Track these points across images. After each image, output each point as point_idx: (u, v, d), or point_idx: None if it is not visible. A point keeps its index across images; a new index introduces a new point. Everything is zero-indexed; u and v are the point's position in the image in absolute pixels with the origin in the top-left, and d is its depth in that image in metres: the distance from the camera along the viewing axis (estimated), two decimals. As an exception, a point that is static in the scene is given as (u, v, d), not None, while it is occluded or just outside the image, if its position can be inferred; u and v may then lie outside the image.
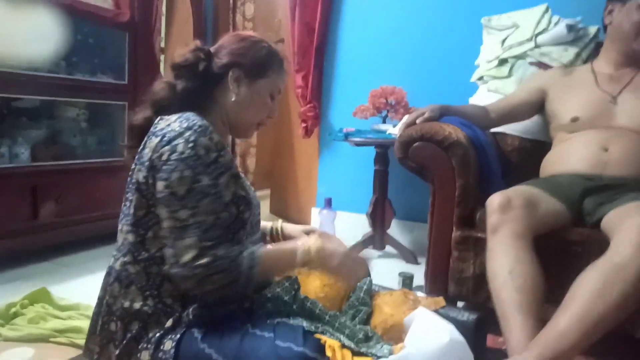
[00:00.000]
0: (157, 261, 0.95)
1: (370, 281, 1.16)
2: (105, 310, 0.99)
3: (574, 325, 1.01)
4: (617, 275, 1.04)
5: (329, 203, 2.24)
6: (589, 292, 1.04)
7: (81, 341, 1.31)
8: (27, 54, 2.06)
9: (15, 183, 1.98)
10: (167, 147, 0.92)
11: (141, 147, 0.98)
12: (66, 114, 2.37)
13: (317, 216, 2.41)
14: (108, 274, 1.01)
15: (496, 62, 1.99)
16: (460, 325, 1.05)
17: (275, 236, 1.26)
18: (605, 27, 1.70)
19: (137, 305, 0.95)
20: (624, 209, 1.20)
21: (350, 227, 2.59)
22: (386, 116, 2.37)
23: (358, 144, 2.31)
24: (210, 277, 0.89)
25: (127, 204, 0.99)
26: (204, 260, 0.88)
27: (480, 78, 2.05)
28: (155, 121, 1.00)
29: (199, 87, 1.05)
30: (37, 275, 1.90)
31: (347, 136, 2.30)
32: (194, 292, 0.93)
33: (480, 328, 1.19)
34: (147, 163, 0.94)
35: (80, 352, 1.28)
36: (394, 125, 2.17)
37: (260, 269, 0.93)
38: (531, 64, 1.93)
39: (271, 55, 1.09)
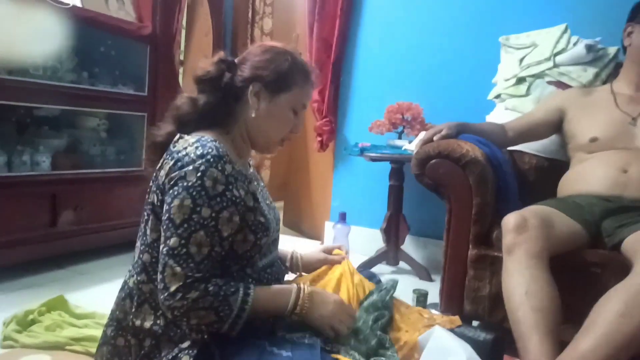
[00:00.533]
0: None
1: (396, 284, 1.14)
2: (114, 324, 0.99)
3: (596, 348, 1.00)
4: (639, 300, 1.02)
5: (343, 217, 2.24)
6: (611, 314, 1.02)
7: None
8: (49, 65, 2.11)
9: (35, 191, 2.02)
10: (176, 173, 0.91)
11: (159, 165, 0.98)
12: (87, 124, 2.41)
13: (331, 230, 2.41)
14: (122, 289, 1.02)
15: (514, 80, 1.99)
16: (476, 345, 1.04)
17: (294, 265, 1.24)
18: (624, 48, 1.69)
19: (147, 324, 0.95)
20: None
21: (364, 242, 2.58)
22: (402, 132, 2.37)
23: (373, 159, 2.31)
24: (196, 311, 0.88)
25: (144, 223, 0.99)
26: (191, 294, 0.87)
27: (498, 96, 2.05)
28: (175, 139, 0.98)
29: (220, 102, 1.02)
30: (54, 283, 1.92)
31: (362, 151, 2.31)
32: (179, 323, 0.92)
33: (497, 348, 1.18)
34: (161, 186, 0.94)
35: (95, 360, 1.29)
36: (410, 141, 2.17)
37: (251, 310, 0.92)
38: (549, 83, 1.93)
39: (295, 68, 1.03)
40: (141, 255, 0.97)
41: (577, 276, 1.30)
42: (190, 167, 0.90)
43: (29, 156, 2.05)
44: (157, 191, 0.95)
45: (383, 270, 2.38)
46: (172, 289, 0.87)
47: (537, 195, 1.59)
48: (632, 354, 1.02)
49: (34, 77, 2.03)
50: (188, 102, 1.04)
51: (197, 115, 1.02)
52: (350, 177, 2.79)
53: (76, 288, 1.86)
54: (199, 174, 0.90)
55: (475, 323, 1.50)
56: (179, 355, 0.92)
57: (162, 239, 0.91)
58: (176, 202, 0.89)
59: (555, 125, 1.75)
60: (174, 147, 0.97)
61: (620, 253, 1.25)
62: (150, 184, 0.99)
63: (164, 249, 0.89)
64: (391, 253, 2.40)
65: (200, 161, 0.91)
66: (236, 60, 1.06)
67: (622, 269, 1.14)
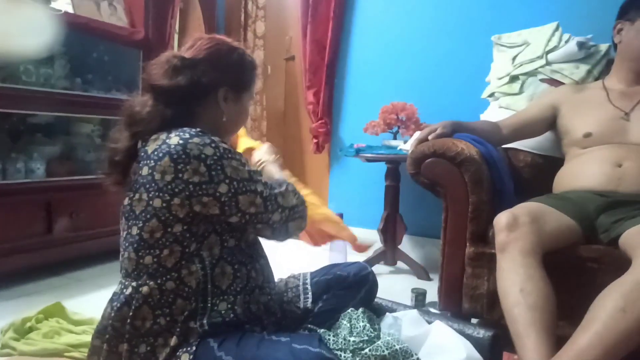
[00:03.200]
0: (173, 277, 0.96)
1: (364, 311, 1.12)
2: (111, 334, 0.98)
3: (594, 344, 1.00)
4: (639, 294, 1.02)
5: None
6: (610, 310, 1.02)
7: (95, 356, 1.32)
8: (42, 72, 2.11)
9: (30, 198, 2.01)
10: (194, 163, 0.93)
11: (138, 173, 0.98)
12: (81, 130, 2.41)
13: (328, 232, 2.41)
14: (115, 300, 1.00)
15: (507, 79, 2.00)
16: (475, 342, 1.05)
17: None
18: (615, 45, 1.71)
19: (147, 324, 0.96)
20: None
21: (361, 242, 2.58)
22: (397, 132, 2.38)
23: (369, 160, 2.32)
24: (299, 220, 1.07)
25: (133, 230, 0.98)
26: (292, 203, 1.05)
27: (492, 95, 2.06)
28: (140, 146, 1.00)
29: (185, 109, 1.04)
30: (51, 290, 1.91)
31: (358, 152, 2.31)
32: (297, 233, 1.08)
33: (496, 345, 1.18)
34: (165, 188, 0.94)
35: (94, 367, 1.28)
36: (405, 141, 2.17)
37: None
38: (542, 80, 1.94)
39: (250, 66, 1.13)
40: (140, 260, 0.97)
41: (573, 272, 1.31)
42: (195, 150, 0.93)
43: (23, 164, 2.05)
44: (159, 194, 0.95)
45: (381, 271, 2.39)
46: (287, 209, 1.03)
47: (533, 192, 1.60)
48: (631, 349, 1.02)
49: (26, 84, 2.03)
50: (154, 112, 1.02)
51: (160, 123, 1.02)
52: (347, 179, 2.80)
53: (74, 295, 1.85)
54: (212, 145, 0.95)
55: (474, 321, 1.51)
56: (178, 354, 0.93)
57: (248, 200, 0.97)
58: (229, 170, 0.95)
59: (549, 122, 1.76)
60: (145, 153, 0.98)
61: (617, 248, 1.26)
62: (131, 195, 0.99)
63: (259, 201, 0.99)
64: (389, 253, 2.40)
65: (196, 139, 0.95)
66: (187, 55, 1.06)
67: (620, 264, 1.14)
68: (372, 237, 2.50)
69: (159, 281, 0.96)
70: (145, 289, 0.97)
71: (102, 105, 2.32)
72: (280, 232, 1.05)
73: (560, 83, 1.89)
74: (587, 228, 1.37)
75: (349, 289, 1.24)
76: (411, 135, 2.05)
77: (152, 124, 1.01)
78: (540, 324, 1.11)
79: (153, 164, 0.96)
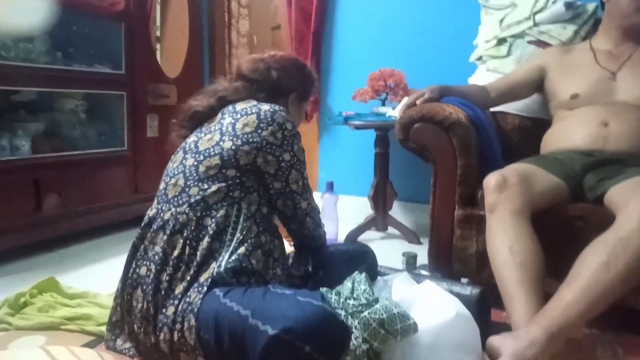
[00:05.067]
0: (211, 215, 1.07)
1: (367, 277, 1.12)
2: (141, 254, 1.09)
3: (579, 298, 1.02)
4: (623, 249, 1.05)
5: (330, 187, 2.25)
6: (594, 265, 1.05)
7: (91, 328, 1.33)
8: (21, 46, 2.05)
9: (17, 176, 1.98)
10: (275, 126, 1.12)
11: (217, 122, 1.17)
12: (65, 106, 2.36)
13: (319, 201, 2.42)
14: (148, 224, 1.12)
15: (494, 41, 1.98)
16: (464, 300, 1.07)
17: None
18: (602, 4, 1.70)
19: (175, 252, 1.05)
20: (629, 184, 1.22)
21: (352, 210, 2.60)
22: (385, 99, 2.37)
23: (358, 127, 2.31)
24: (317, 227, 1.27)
25: (189, 161, 1.13)
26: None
27: (479, 58, 2.05)
28: (227, 107, 1.20)
29: (265, 97, 1.26)
30: (43, 267, 1.91)
31: (346, 120, 2.30)
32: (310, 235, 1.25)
33: (484, 302, 1.22)
34: (242, 135, 1.11)
35: (91, 338, 1.30)
36: (394, 108, 2.17)
37: None
38: (530, 42, 1.93)
39: (314, 83, 1.41)
40: (185, 189, 1.09)
41: (560, 231, 1.33)
42: (282, 120, 1.14)
43: (7, 141, 2.01)
44: (230, 137, 1.11)
45: (372, 237, 2.41)
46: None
47: (522, 155, 1.61)
48: (613, 302, 1.05)
49: (6, 59, 1.97)
50: (244, 91, 1.26)
51: (246, 97, 1.25)
52: (336, 147, 2.79)
53: (66, 270, 1.86)
54: (292, 121, 1.16)
55: (464, 280, 1.54)
56: (189, 293, 1.01)
57: (296, 176, 1.16)
58: (296, 147, 1.16)
59: (537, 84, 1.76)
60: (234, 109, 1.18)
61: (602, 206, 1.28)
62: (201, 134, 1.16)
63: (300, 184, 1.18)
64: (380, 219, 2.42)
65: (284, 113, 1.16)
66: (271, 62, 1.31)
67: (605, 221, 1.16)
68: (363, 204, 2.52)
69: (198, 214, 1.07)
70: (183, 217, 1.06)
71: (86, 80, 2.28)
72: (296, 221, 1.22)
73: (547, 45, 1.88)
74: (574, 187, 1.39)
75: (348, 263, 1.28)
76: (400, 102, 2.05)
77: (239, 96, 1.24)
78: (528, 281, 1.14)
79: (239, 116, 1.14)
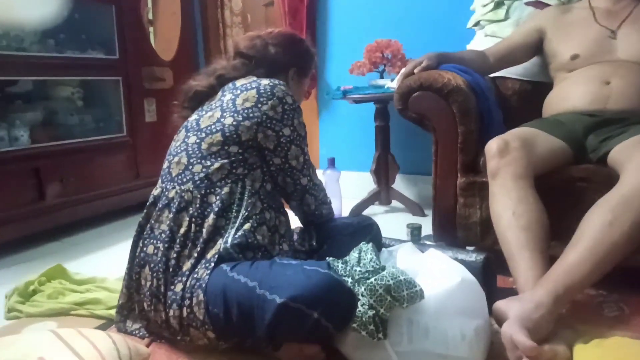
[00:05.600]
0: (215, 192, 1.08)
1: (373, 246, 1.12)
2: (147, 233, 1.11)
3: (584, 258, 1.02)
4: (627, 207, 1.04)
5: (332, 163, 2.24)
6: (599, 224, 1.04)
7: (101, 312, 1.35)
8: (12, 35, 2.03)
9: (17, 166, 1.98)
10: (275, 100, 1.12)
11: (217, 99, 1.17)
12: (60, 94, 2.35)
13: (321, 177, 2.42)
14: (153, 203, 1.14)
15: (492, 5, 1.94)
16: (469, 266, 1.07)
17: None
18: (601, -41, 1.65)
19: (182, 230, 1.05)
20: (631, 142, 1.20)
21: (355, 185, 2.60)
22: (383, 70, 2.33)
23: (357, 101, 2.29)
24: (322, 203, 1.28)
25: (191, 139, 1.13)
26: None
27: (477, 23, 2.01)
28: (226, 84, 1.20)
29: (264, 73, 1.25)
30: (49, 255, 1.92)
31: (345, 94, 2.28)
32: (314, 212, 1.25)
33: (489, 268, 1.22)
34: (242, 111, 1.11)
35: (101, 322, 1.31)
36: (392, 80, 2.14)
37: None
38: (527, 4, 1.89)
39: (313, 57, 1.39)
40: (188, 167, 1.10)
41: (564, 193, 1.32)
42: (282, 93, 1.14)
43: (6, 132, 2.01)
44: (231, 114, 1.11)
45: (376, 211, 2.41)
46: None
47: (523, 120, 1.58)
48: (619, 261, 1.05)
49: (-1, 48, 1.96)
50: (242, 68, 1.25)
51: (245, 74, 1.24)
52: (336, 123, 2.77)
53: (72, 258, 1.87)
54: (292, 95, 1.16)
55: (469, 248, 1.54)
56: (197, 269, 1.02)
57: (296, 152, 1.16)
58: (296, 121, 1.16)
59: (536, 47, 1.72)
60: (234, 86, 1.18)
61: (606, 166, 1.27)
62: (202, 113, 1.17)
63: (301, 161, 1.18)
64: (383, 193, 2.42)
65: (284, 87, 1.16)
66: (268, 38, 1.30)
67: (609, 181, 1.15)
68: (365, 179, 2.51)
69: (202, 192, 1.08)
70: (188, 195, 1.07)
71: (80, 66, 2.26)
72: (296, 198, 1.21)
73: (545, 5, 1.84)
74: (576, 149, 1.38)
75: (353, 236, 1.27)
76: (398, 73, 2.02)
77: (239, 72, 1.24)
78: (532, 244, 1.13)
79: (239, 92, 1.15)
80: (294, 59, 1.33)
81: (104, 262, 1.83)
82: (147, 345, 1.11)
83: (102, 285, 1.48)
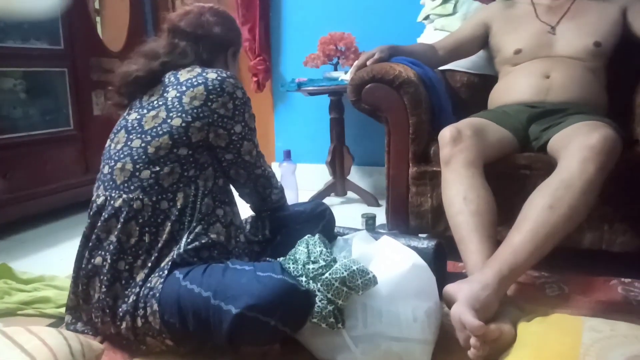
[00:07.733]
0: (168, 197, 1.04)
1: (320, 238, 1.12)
2: (94, 244, 1.05)
3: (527, 240, 1.07)
4: (565, 190, 1.10)
5: (288, 155, 2.25)
6: (540, 208, 1.10)
7: (50, 311, 1.30)
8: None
9: (-44, 162, 1.88)
10: (225, 97, 1.08)
11: (159, 95, 1.10)
12: (2, 86, 2.23)
13: (277, 169, 2.42)
14: (98, 213, 1.06)
15: (440, 0, 2.00)
16: (421, 252, 1.10)
17: None
18: (542, -43, 1.73)
19: (132, 240, 1.01)
20: (568, 131, 1.27)
21: (311, 177, 2.62)
22: (337, 63, 2.36)
23: (311, 94, 2.31)
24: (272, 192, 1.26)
25: (135, 142, 1.06)
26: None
27: (427, 17, 2.06)
28: (168, 75, 1.13)
29: (207, 54, 1.21)
30: (-6, 254, 1.84)
31: (299, 86, 2.29)
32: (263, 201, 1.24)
33: (440, 253, 1.26)
34: (191, 111, 1.05)
35: (50, 321, 1.27)
36: (346, 72, 2.17)
37: None
38: (474, -1, 1.96)
39: (241, 34, 1.35)
40: (135, 173, 1.04)
41: (509, 179, 1.39)
42: (232, 88, 1.09)
43: (-58, 126, 1.90)
44: (180, 114, 1.05)
45: (333, 202, 2.44)
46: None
47: (471, 111, 1.65)
48: (559, 242, 1.11)
49: None
50: (190, 52, 1.18)
51: (193, 61, 1.18)
52: (291, 115, 2.78)
53: (19, 257, 1.79)
54: (241, 88, 1.12)
55: (422, 236, 1.58)
56: (150, 278, 0.99)
57: (248, 147, 1.13)
58: (247, 115, 1.12)
59: (482, 40, 1.79)
60: (177, 79, 1.11)
61: (546, 154, 1.34)
62: (142, 111, 1.09)
63: (253, 154, 1.16)
64: (338, 184, 2.45)
65: (232, 80, 1.10)
66: (210, 18, 1.23)
67: (549, 168, 1.22)
68: (321, 171, 2.54)
69: (153, 199, 1.03)
70: (137, 203, 1.02)
71: (22, 56, 2.15)
72: (248, 186, 1.19)
73: (491, 0, 1.91)
74: (521, 138, 1.45)
75: (306, 223, 1.28)
76: (351, 65, 2.05)
77: (186, 60, 1.17)
78: (482, 228, 1.18)
79: (184, 89, 1.08)
80: (233, 37, 1.29)
81: (53, 260, 1.77)
82: (101, 342, 1.09)
83: (51, 284, 1.43)
